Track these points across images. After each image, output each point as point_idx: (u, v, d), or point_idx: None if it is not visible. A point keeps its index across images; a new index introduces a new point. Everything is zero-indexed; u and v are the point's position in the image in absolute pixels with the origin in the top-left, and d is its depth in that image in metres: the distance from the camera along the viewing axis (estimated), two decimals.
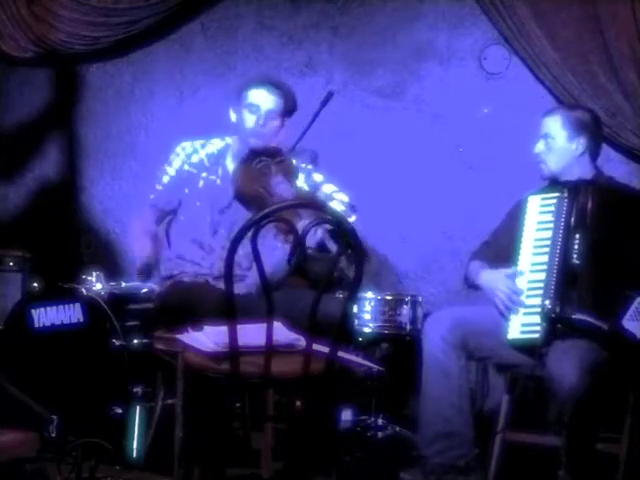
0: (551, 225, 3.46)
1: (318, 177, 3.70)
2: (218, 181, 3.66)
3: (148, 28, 5.09)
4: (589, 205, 3.40)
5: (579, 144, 3.59)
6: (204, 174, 3.67)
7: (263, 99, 3.59)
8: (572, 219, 3.40)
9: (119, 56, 5.23)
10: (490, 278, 3.57)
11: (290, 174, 3.53)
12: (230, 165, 3.69)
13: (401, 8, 4.89)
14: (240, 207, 3.59)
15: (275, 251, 3.44)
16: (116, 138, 5.25)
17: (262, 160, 3.56)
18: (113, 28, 5.06)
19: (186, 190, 3.65)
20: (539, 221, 3.50)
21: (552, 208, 3.47)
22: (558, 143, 3.59)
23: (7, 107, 5.37)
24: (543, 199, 3.52)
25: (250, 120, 3.59)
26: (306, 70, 4.99)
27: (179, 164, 3.67)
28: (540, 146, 3.62)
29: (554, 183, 3.60)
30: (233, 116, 3.65)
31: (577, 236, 3.38)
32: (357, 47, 4.94)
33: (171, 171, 3.67)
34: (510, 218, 3.69)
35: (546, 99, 4.56)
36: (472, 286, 3.69)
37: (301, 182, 3.58)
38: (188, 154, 3.68)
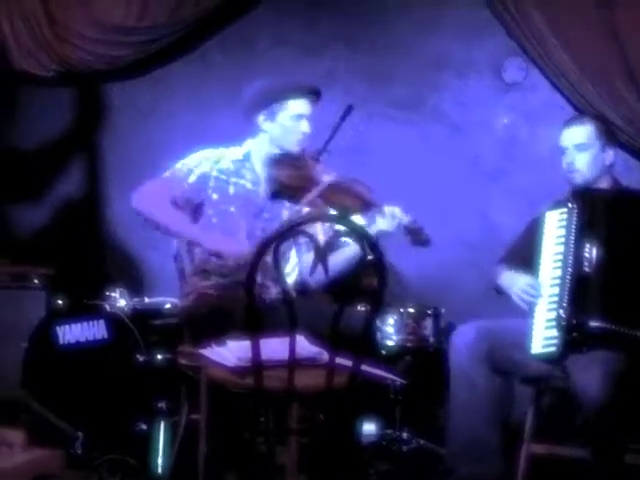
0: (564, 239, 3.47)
1: None
2: (248, 185, 3.66)
3: (168, 46, 5.12)
4: (598, 213, 3.41)
5: (609, 155, 3.59)
6: (233, 179, 3.65)
7: (306, 108, 3.60)
8: (582, 229, 3.41)
9: (139, 74, 5.25)
10: (509, 276, 3.61)
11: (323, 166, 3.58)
12: (259, 168, 3.69)
13: (419, 20, 4.90)
14: (274, 209, 3.61)
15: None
16: (137, 156, 5.26)
17: (296, 157, 3.59)
18: (133, 47, 5.09)
19: (215, 196, 3.63)
20: (557, 235, 3.50)
21: (565, 222, 3.48)
22: (594, 152, 3.58)
23: (30, 126, 5.40)
24: (560, 214, 3.52)
25: (295, 129, 3.59)
26: (324, 83, 4.99)
27: (207, 168, 3.63)
28: (572, 156, 3.59)
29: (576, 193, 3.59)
30: (266, 124, 3.63)
31: (587, 245, 3.38)
32: (375, 59, 4.95)
33: (198, 171, 3.61)
34: (528, 235, 3.70)
35: (565, 109, 4.55)
36: (497, 289, 3.70)
37: None
38: (215, 160, 3.66)
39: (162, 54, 5.17)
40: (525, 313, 3.53)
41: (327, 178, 3.47)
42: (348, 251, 3.58)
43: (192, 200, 3.62)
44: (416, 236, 3.58)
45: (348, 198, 3.45)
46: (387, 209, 3.53)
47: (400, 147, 4.85)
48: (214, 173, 3.64)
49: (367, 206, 3.48)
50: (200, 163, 3.64)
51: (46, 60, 5.11)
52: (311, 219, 3.46)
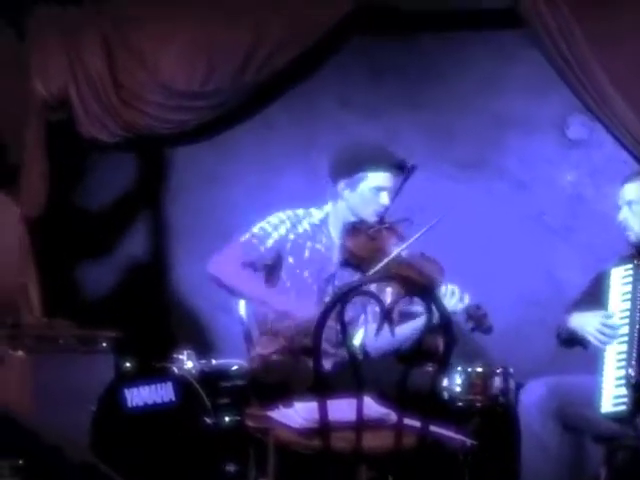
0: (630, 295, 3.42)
1: None
2: (323, 250, 3.68)
3: (233, 109, 5.18)
4: None
5: None
6: (309, 243, 3.68)
7: (388, 181, 3.60)
8: None
9: (204, 138, 5.31)
10: (579, 317, 3.55)
11: (398, 238, 3.58)
12: (334, 234, 3.71)
13: (480, 78, 4.91)
14: (344, 275, 3.62)
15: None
16: (202, 218, 5.30)
17: (372, 226, 3.60)
18: (198, 112, 5.13)
19: (290, 259, 3.66)
20: (622, 292, 3.47)
21: (631, 279, 3.44)
22: None
23: (96, 189, 5.48)
24: (626, 270, 3.48)
25: (374, 200, 3.60)
26: (386, 143, 5.01)
27: (284, 231, 3.66)
28: (625, 213, 3.58)
29: (637, 251, 3.56)
30: (346, 192, 3.64)
31: None
32: (437, 118, 4.97)
33: (276, 235, 3.65)
34: (592, 290, 3.67)
35: (629, 163, 4.52)
36: (564, 336, 3.63)
37: None
38: (293, 223, 3.69)
39: (226, 116, 5.23)
40: (594, 370, 3.47)
41: (396, 251, 3.49)
42: (415, 322, 3.57)
43: (268, 263, 3.66)
44: (478, 322, 3.55)
45: (412, 274, 3.45)
46: (448, 287, 3.52)
47: (464, 205, 4.84)
48: (291, 236, 3.67)
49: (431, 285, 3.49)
50: (278, 226, 3.67)
51: (113, 126, 5.15)
52: (370, 280, 3.46)
